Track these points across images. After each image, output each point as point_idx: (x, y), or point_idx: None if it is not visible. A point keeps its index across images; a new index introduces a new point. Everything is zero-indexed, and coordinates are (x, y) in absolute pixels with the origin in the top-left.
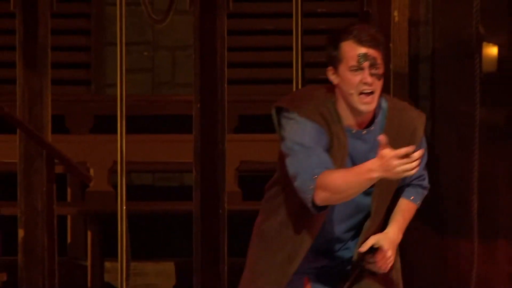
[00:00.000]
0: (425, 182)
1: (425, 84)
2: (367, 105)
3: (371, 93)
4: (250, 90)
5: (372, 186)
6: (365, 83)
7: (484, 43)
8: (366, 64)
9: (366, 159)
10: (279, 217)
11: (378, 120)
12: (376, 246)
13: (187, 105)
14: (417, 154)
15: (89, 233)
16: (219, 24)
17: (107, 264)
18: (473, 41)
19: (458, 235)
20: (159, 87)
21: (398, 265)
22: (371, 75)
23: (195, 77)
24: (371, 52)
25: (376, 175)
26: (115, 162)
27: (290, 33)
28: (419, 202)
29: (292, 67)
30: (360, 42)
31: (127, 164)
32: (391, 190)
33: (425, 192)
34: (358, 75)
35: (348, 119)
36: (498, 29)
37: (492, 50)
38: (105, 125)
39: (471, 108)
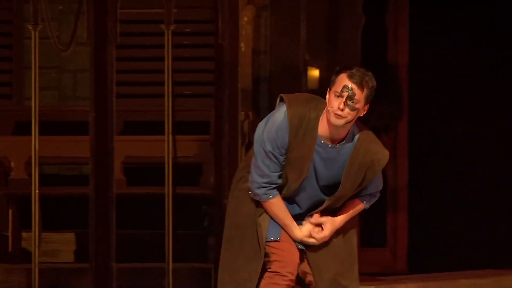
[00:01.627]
0: (378, 193)
1: (265, 98)
2: (337, 120)
3: (340, 116)
4: (132, 103)
5: (333, 191)
6: (339, 108)
7: (309, 67)
8: (345, 94)
9: (324, 167)
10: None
11: (346, 143)
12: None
13: (85, 114)
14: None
15: (10, 211)
16: (109, 53)
17: (24, 234)
18: (300, 65)
19: None
20: (64, 100)
21: (355, 240)
22: (346, 104)
23: (91, 92)
24: (354, 88)
25: (292, 235)
26: (30, 157)
27: (162, 59)
28: (367, 206)
29: (164, 85)
30: (350, 78)
31: (39, 158)
32: (349, 192)
33: (375, 200)
34: (337, 100)
35: (322, 132)
36: (319, 56)
37: (315, 72)
38: (23, 128)
39: None
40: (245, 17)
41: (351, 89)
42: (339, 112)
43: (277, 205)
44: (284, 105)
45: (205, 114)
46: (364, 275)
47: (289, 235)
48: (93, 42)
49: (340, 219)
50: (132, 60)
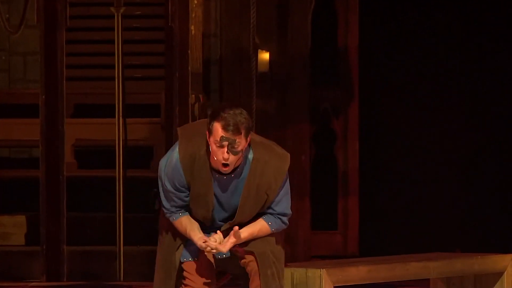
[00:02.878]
0: (286, 220)
1: (215, 81)
2: (225, 169)
3: (227, 164)
4: (83, 86)
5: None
6: (223, 158)
7: (259, 50)
8: (225, 143)
9: (226, 195)
10: None
11: (240, 169)
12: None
13: (35, 97)
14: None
15: None
16: (59, 36)
17: None
18: (250, 49)
19: None
20: (14, 83)
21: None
22: (228, 152)
23: (41, 75)
24: (231, 136)
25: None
26: None
27: (112, 42)
28: (274, 229)
29: (114, 68)
30: (225, 128)
31: None
32: (251, 214)
33: (283, 227)
34: (219, 150)
35: (215, 164)
36: (269, 40)
37: (265, 55)
38: None
39: (249, 100)
40: (195, 0)
41: (229, 138)
42: (225, 162)
43: (179, 224)
44: (177, 145)
45: (155, 97)
46: (316, 258)
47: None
48: (42, 25)
49: (244, 236)
50: (82, 43)
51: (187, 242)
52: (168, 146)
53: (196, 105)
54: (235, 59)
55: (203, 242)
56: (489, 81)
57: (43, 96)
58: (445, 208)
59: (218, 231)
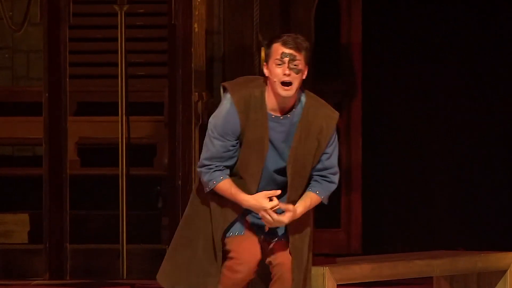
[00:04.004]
0: (334, 178)
1: (218, 78)
2: (286, 91)
3: (290, 83)
4: (86, 83)
5: (286, 167)
6: (285, 74)
7: (262, 48)
8: (286, 59)
9: (282, 140)
10: None
11: (295, 110)
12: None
13: (39, 95)
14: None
15: None
16: (62, 34)
17: None
18: (253, 46)
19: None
20: (17, 80)
21: (310, 231)
22: (290, 68)
23: (44, 73)
24: (292, 52)
25: (245, 206)
26: None
27: (116, 40)
28: (323, 197)
29: (117, 65)
30: (285, 44)
31: None
32: (303, 174)
33: (333, 187)
34: (280, 67)
35: (271, 106)
36: (272, 36)
37: None
38: None
39: None
40: None
41: (290, 53)
42: (286, 78)
43: (225, 187)
44: (227, 94)
45: (158, 95)
46: (319, 256)
47: (248, 206)
48: (46, 22)
49: (299, 210)
50: (85, 40)
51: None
52: (172, 144)
53: (200, 103)
54: (238, 56)
55: (264, 211)
56: (493, 79)
57: (46, 94)
58: (448, 206)
59: (274, 198)
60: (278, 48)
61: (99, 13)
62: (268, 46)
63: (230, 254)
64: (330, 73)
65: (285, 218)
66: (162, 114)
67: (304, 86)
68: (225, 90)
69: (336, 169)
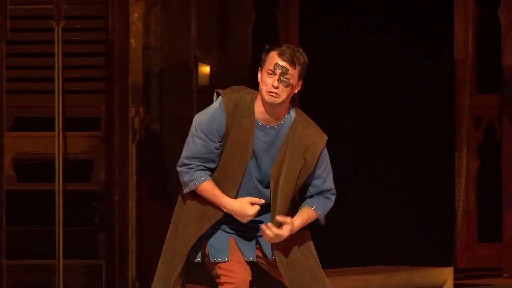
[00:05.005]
0: (332, 197)
1: (156, 94)
2: (271, 98)
3: (276, 94)
4: (23, 99)
5: (272, 182)
6: (273, 86)
7: (200, 63)
8: (278, 72)
9: (264, 150)
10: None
11: (283, 123)
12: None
13: None
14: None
15: None
16: None
17: None
18: (191, 62)
19: None
20: None
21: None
22: (280, 81)
23: None
24: (286, 65)
25: (226, 210)
26: None
27: (53, 55)
28: (319, 212)
29: (54, 81)
30: (281, 55)
31: None
32: (286, 189)
33: (330, 204)
34: (271, 78)
35: (260, 113)
36: (210, 53)
37: (205, 68)
38: None
39: (190, 112)
40: (136, 13)
41: (284, 66)
42: (274, 90)
43: (207, 188)
44: (219, 97)
45: (95, 110)
46: None
47: (230, 210)
48: None
49: (297, 223)
50: (22, 56)
51: (212, 238)
52: (108, 160)
53: (137, 118)
54: (176, 72)
55: (249, 203)
56: (431, 85)
57: None
58: (386, 221)
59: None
60: (273, 58)
61: (36, 28)
62: (266, 53)
63: (222, 279)
64: None
65: (285, 231)
66: (99, 129)
67: None
68: (218, 96)
69: (333, 190)
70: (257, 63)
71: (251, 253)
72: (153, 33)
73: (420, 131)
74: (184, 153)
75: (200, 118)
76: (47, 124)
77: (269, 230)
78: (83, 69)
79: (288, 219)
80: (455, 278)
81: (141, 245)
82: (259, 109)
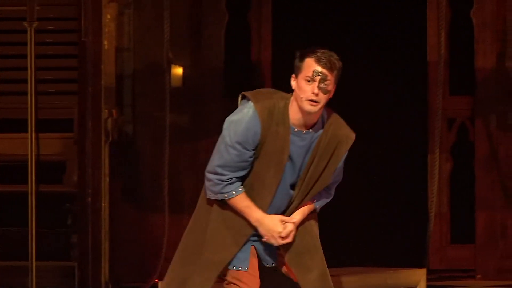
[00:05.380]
0: (333, 190)
1: (128, 95)
2: (312, 107)
3: (316, 102)
4: None
5: (298, 181)
6: (313, 93)
7: (172, 65)
8: (317, 78)
9: (301, 154)
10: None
11: (317, 126)
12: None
13: None
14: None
15: None
16: None
17: None
18: (164, 63)
19: (153, 210)
20: None
21: (315, 232)
22: (319, 88)
23: None
24: (324, 71)
25: (255, 225)
26: None
27: (25, 57)
28: (318, 206)
29: (27, 82)
30: (319, 62)
31: None
32: (314, 191)
33: (329, 198)
34: (310, 85)
35: (294, 119)
36: (182, 54)
37: (178, 70)
38: None
39: (163, 114)
40: (108, 15)
41: (322, 72)
42: (314, 98)
43: (239, 200)
44: (249, 102)
45: (68, 112)
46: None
47: (259, 225)
48: None
49: (298, 219)
50: None
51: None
52: (81, 161)
53: (109, 120)
54: (149, 73)
55: (281, 222)
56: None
57: None
58: (359, 223)
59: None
60: (311, 65)
61: (8, 29)
62: (300, 59)
63: (231, 287)
64: (241, 91)
65: (290, 238)
66: (72, 131)
67: (215, 105)
68: (243, 98)
69: (333, 188)
70: (230, 64)
71: (272, 258)
72: (126, 35)
73: (393, 133)
74: (216, 161)
75: (235, 128)
76: (20, 126)
77: (275, 240)
78: (56, 70)
79: (291, 218)
80: (428, 280)
81: (114, 246)
82: (294, 115)
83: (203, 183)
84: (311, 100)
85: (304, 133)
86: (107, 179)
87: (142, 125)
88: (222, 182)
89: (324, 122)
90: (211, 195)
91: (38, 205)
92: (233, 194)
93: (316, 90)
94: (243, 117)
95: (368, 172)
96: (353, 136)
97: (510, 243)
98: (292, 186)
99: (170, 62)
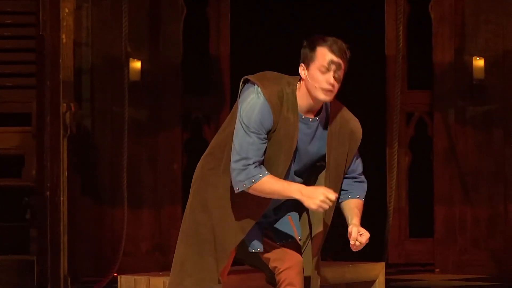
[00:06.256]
0: (363, 177)
1: (87, 90)
2: (327, 97)
3: (332, 91)
4: None
5: (310, 174)
6: (329, 83)
7: (131, 59)
8: (333, 68)
9: (306, 142)
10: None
11: (322, 114)
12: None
13: None
14: (332, 200)
15: None
16: None
17: None
18: (122, 57)
19: (112, 204)
20: None
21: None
22: (334, 77)
23: None
24: (338, 60)
25: (298, 197)
26: None
27: None
28: (363, 198)
29: None
30: (332, 51)
31: None
32: (338, 178)
33: (365, 185)
34: (324, 75)
35: (302, 107)
36: (141, 48)
37: (136, 64)
38: None
39: (121, 108)
40: (66, 9)
41: (338, 61)
42: (330, 87)
43: (271, 181)
44: (255, 86)
45: (26, 105)
46: None
47: (306, 194)
48: None
49: (357, 222)
50: None
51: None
52: (40, 155)
53: (68, 114)
54: (107, 67)
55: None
56: (362, 81)
57: None
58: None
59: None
60: (325, 54)
61: None
62: (311, 48)
63: (278, 269)
64: (199, 86)
65: (364, 239)
66: (30, 125)
67: (173, 100)
68: (247, 82)
69: (362, 169)
70: (188, 59)
71: (259, 244)
72: (84, 29)
73: None
74: (239, 148)
75: (248, 115)
76: None
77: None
78: (14, 64)
79: (354, 228)
80: (386, 274)
81: (73, 240)
82: (302, 102)
83: (162, 177)
84: (327, 90)
85: (311, 121)
86: (66, 173)
87: (100, 119)
88: (249, 166)
89: (327, 109)
90: (238, 186)
91: None
92: (260, 177)
93: (332, 80)
94: (255, 104)
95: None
96: (357, 121)
97: (469, 237)
98: (298, 173)
99: (128, 57)
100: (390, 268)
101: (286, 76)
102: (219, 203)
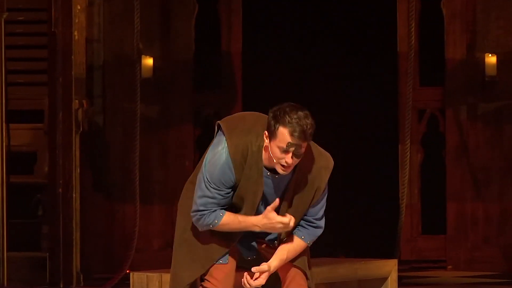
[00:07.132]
0: (320, 222)
1: (99, 86)
2: (284, 171)
3: (289, 166)
4: None
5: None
6: (286, 162)
7: (143, 56)
8: (291, 149)
9: (273, 192)
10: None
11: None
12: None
13: None
14: (291, 222)
15: None
16: None
17: None
18: (134, 54)
19: (124, 201)
20: None
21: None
22: (292, 157)
23: None
24: (298, 143)
25: (258, 229)
26: None
27: None
28: (309, 241)
29: None
30: (292, 136)
31: None
32: (299, 215)
33: (319, 231)
34: (282, 154)
35: (267, 163)
36: (152, 45)
37: (148, 61)
38: None
39: (133, 105)
40: (78, 5)
41: (297, 144)
42: (288, 165)
43: (230, 219)
44: (224, 138)
45: (39, 102)
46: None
47: (261, 226)
48: None
49: (274, 265)
50: None
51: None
52: (52, 152)
53: (80, 111)
54: (119, 64)
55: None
56: (374, 77)
57: None
58: (330, 213)
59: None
60: (285, 136)
61: None
62: (274, 124)
63: (206, 277)
64: (210, 82)
65: (263, 280)
66: (42, 122)
67: (184, 97)
68: (219, 128)
69: (322, 214)
70: (199, 55)
71: (253, 251)
72: (96, 25)
73: (363, 124)
74: (200, 200)
75: (211, 170)
76: None
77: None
78: (26, 61)
79: (264, 267)
80: (399, 270)
81: (85, 237)
82: (267, 163)
83: (173, 174)
84: (285, 166)
85: (277, 177)
86: (78, 169)
87: (112, 116)
88: (203, 216)
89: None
90: (200, 229)
91: (8, 196)
92: (220, 215)
93: (290, 161)
94: (218, 160)
95: (339, 163)
96: (330, 165)
97: (481, 234)
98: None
99: (140, 53)
100: (402, 265)
101: (260, 122)
102: (194, 232)
